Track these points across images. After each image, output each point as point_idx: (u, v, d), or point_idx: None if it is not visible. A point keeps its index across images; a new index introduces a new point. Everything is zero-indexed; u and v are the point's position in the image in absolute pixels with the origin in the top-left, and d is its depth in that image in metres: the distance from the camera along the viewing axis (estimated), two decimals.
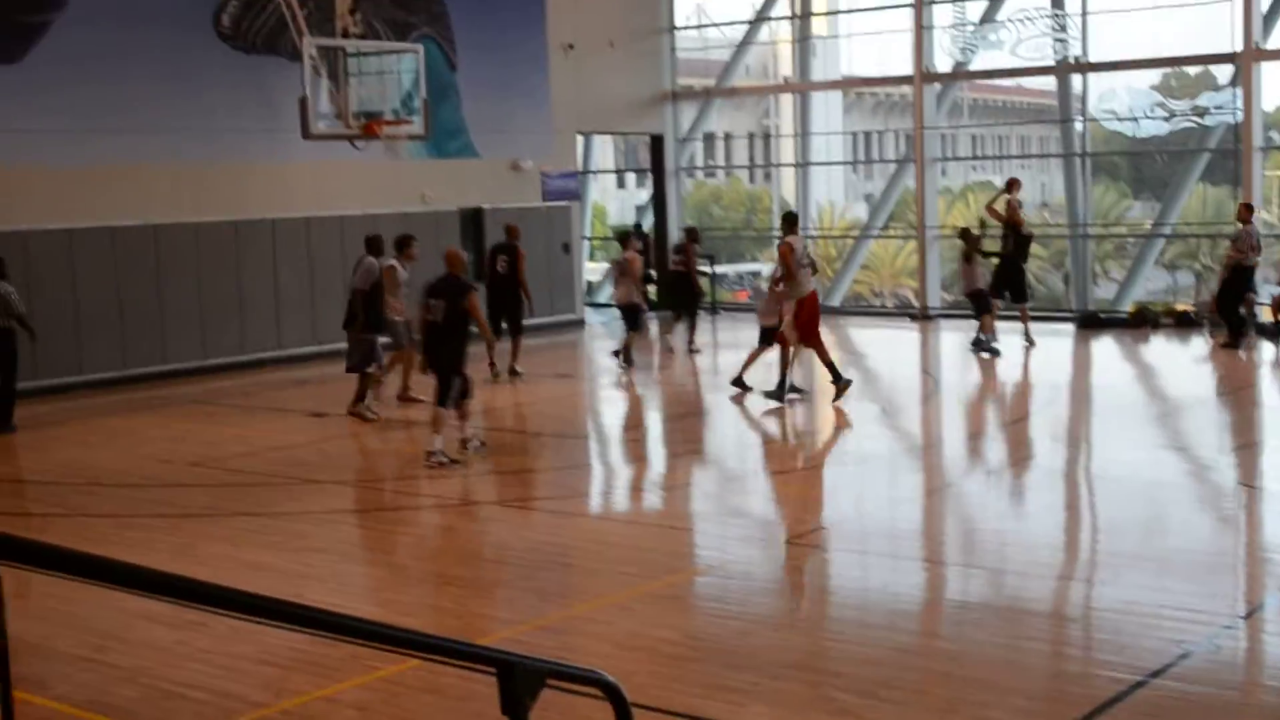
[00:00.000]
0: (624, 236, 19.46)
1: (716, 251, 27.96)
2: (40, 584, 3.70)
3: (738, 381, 15.31)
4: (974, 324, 19.15)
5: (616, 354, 18.41)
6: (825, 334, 15.19)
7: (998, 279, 19.15)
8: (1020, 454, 13.03)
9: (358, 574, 9.42)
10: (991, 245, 19.40)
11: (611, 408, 16.66)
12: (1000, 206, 19.21)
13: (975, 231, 19.25)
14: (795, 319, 14.51)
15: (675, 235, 25.93)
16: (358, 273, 14.64)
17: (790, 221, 15.53)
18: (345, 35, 17.55)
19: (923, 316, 23.76)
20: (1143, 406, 15.71)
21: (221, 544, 9.71)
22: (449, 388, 12.12)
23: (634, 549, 9.66)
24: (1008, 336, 19.23)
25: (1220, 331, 19.33)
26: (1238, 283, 18.91)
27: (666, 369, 18.98)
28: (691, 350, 19.60)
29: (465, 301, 12.07)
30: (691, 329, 19.80)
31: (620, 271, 18.56)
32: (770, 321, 15.15)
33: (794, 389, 14.98)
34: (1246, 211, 19.18)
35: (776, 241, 15.58)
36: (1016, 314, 19.55)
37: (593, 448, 14.35)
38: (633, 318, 18.22)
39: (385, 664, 6.71)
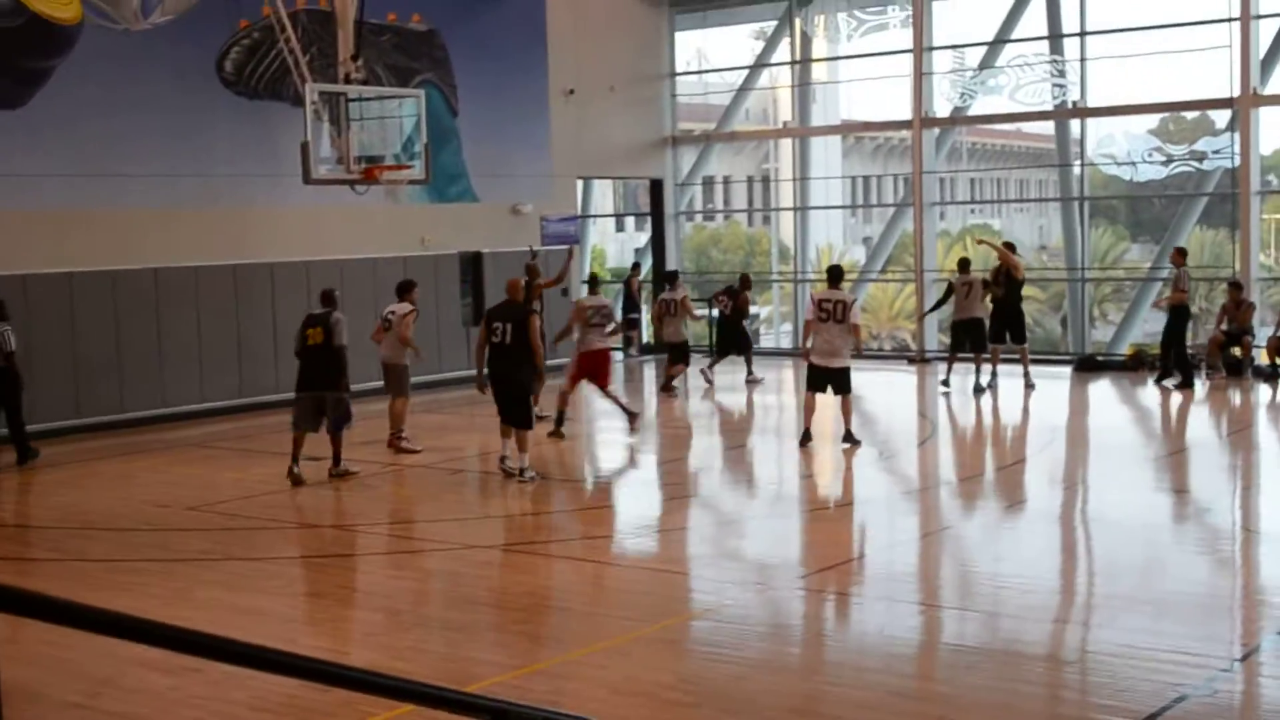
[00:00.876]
0: (672, 276, 21.27)
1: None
2: (33, 629, 3.70)
3: (848, 437, 15.02)
4: (957, 364, 19.66)
5: (666, 387, 19.87)
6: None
7: (996, 323, 19.30)
8: (1017, 496, 13.02)
9: (352, 618, 9.39)
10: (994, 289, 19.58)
11: (610, 451, 16.63)
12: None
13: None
14: (572, 371, 16.17)
15: None
16: (336, 328, 13.50)
17: (590, 283, 17.71)
18: (347, 81, 17.62)
19: (920, 359, 23.79)
20: (1139, 449, 15.72)
21: (216, 589, 9.69)
22: (526, 408, 13.20)
23: (630, 592, 9.65)
24: (1007, 379, 19.34)
25: (1216, 373, 19.53)
26: (1181, 323, 19.27)
27: (683, 408, 19.54)
28: (750, 380, 20.86)
29: (527, 323, 12.95)
30: (748, 363, 21.13)
31: (666, 310, 19.99)
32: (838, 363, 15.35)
33: (558, 423, 16.02)
34: (1180, 256, 19.52)
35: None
36: (1016, 356, 19.66)
37: (591, 491, 14.34)
38: (684, 352, 19.81)
39: (379, 709, 6.67)
